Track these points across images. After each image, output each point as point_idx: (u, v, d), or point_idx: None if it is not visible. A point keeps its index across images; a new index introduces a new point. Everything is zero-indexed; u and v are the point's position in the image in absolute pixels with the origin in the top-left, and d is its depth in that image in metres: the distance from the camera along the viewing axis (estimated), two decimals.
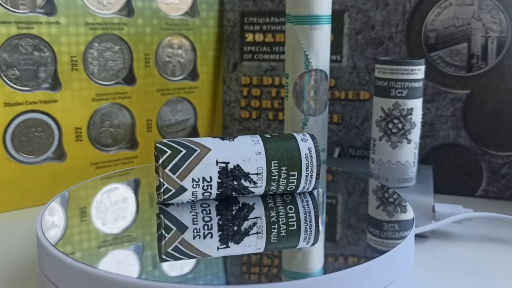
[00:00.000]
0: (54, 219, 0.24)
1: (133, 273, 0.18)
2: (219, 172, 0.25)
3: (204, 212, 0.24)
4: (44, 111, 0.37)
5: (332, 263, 0.19)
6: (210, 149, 0.24)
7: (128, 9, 0.40)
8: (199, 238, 0.21)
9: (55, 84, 0.37)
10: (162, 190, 0.24)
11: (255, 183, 0.25)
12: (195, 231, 0.22)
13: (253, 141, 0.26)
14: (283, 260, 0.20)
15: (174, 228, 0.22)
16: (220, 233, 0.22)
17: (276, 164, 0.25)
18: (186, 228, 0.22)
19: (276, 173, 0.25)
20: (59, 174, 0.38)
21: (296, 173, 0.26)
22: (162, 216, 0.24)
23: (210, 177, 0.25)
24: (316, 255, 0.20)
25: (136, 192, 0.28)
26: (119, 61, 0.40)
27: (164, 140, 0.25)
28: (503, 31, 0.38)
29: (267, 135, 0.26)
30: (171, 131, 0.44)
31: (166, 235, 0.22)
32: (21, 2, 0.35)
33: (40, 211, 0.34)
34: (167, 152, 0.24)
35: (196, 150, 0.24)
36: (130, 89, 0.41)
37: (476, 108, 0.39)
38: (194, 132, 0.46)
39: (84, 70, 0.39)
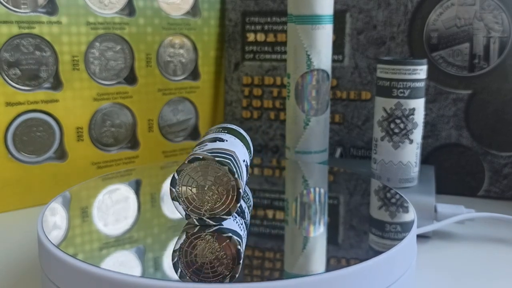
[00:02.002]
0: (55, 220, 0.24)
1: (135, 273, 0.18)
2: (246, 171, 0.25)
3: (235, 215, 0.24)
4: (46, 111, 0.37)
5: (334, 263, 0.19)
6: (234, 151, 0.24)
7: (129, 9, 0.40)
8: (242, 242, 0.21)
9: (57, 84, 0.37)
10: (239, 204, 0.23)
11: (247, 172, 0.26)
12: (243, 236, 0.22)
13: (230, 136, 0.26)
14: (284, 259, 0.20)
15: (241, 241, 0.22)
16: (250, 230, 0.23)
17: (249, 152, 0.28)
18: (241, 236, 0.22)
19: (250, 159, 0.28)
20: (60, 174, 0.38)
21: (251, 154, 0.29)
22: (231, 234, 0.22)
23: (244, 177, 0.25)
24: (318, 254, 0.20)
25: (137, 192, 0.28)
26: (120, 60, 0.40)
27: (205, 153, 0.23)
28: (505, 31, 0.38)
29: (222, 130, 0.27)
30: (172, 131, 0.44)
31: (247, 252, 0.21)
32: (23, 2, 0.35)
33: (41, 211, 0.34)
34: (230, 164, 0.22)
35: (231, 155, 0.23)
36: (131, 89, 0.41)
37: (478, 108, 0.39)
38: (195, 132, 0.46)
39: (85, 69, 0.39)
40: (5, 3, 0.35)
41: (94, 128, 0.40)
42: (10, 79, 0.35)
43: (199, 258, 0.20)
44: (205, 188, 0.22)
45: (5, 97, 0.35)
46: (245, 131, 0.46)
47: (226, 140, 0.25)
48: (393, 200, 0.26)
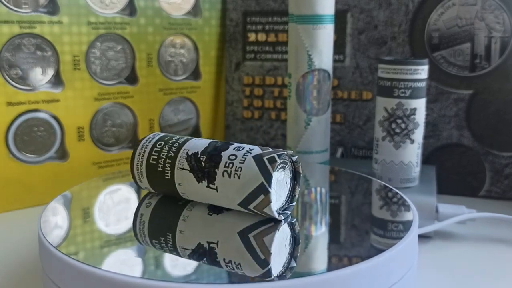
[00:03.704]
0: (55, 219, 0.24)
1: (136, 273, 0.18)
2: None
3: None
4: (47, 111, 0.37)
5: (335, 263, 0.19)
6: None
7: (130, 9, 0.40)
8: None
9: (58, 84, 0.37)
10: None
11: None
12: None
13: (210, 139, 0.26)
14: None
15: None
16: None
17: None
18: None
19: None
20: (61, 174, 0.38)
21: None
22: (295, 219, 0.23)
23: None
24: (319, 254, 0.20)
25: (138, 192, 0.28)
26: (121, 60, 0.40)
27: (282, 153, 0.23)
28: (506, 31, 0.38)
29: (190, 138, 0.27)
30: (173, 131, 0.44)
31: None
32: (24, 2, 0.35)
33: (41, 211, 0.34)
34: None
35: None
36: (132, 89, 0.41)
37: (479, 108, 0.39)
38: (196, 132, 0.46)
39: (86, 69, 0.39)
40: (6, 3, 0.35)
41: (95, 128, 0.40)
42: (11, 79, 0.35)
43: (277, 251, 0.20)
44: (281, 183, 0.23)
45: (6, 97, 0.35)
46: (246, 131, 0.46)
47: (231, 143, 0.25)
48: (395, 200, 0.26)
